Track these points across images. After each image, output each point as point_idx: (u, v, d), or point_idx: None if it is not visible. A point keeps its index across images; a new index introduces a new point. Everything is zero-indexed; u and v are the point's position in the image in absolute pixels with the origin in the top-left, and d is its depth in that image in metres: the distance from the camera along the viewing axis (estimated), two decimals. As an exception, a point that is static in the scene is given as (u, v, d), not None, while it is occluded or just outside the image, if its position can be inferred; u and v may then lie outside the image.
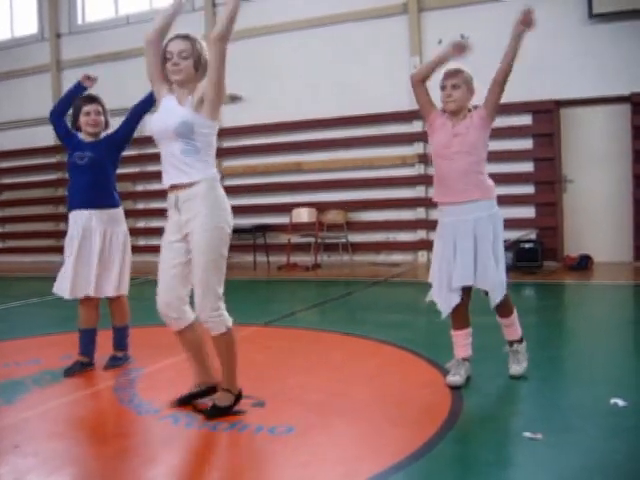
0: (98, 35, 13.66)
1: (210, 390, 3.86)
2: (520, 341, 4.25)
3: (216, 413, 3.66)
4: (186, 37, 3.68)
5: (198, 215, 3.54)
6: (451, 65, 4.16)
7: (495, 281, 4.00)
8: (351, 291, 8.51)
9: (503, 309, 4.14)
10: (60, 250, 4.89)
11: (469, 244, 3.99)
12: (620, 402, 3.63)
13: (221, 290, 3.65)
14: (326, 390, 4.12)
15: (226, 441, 3.38)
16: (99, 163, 4.66)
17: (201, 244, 3.54)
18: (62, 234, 4.84)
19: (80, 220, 4.63)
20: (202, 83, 3.66)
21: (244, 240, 12.00)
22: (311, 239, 11.26)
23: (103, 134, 4.81)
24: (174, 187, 3.62)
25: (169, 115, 3.60)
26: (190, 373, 3.99)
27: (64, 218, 4.93)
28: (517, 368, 4.17)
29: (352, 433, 3.41)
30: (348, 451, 3.18)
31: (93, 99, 4.76)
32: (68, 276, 4.59)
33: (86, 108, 4.70)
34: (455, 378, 4.06)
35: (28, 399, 4.15)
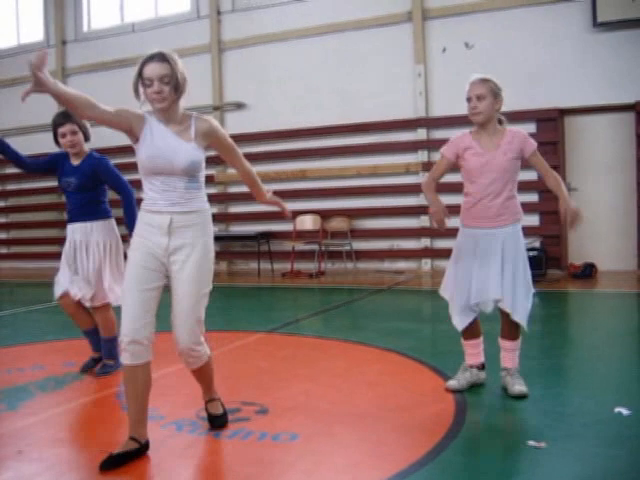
0: (103, 42, 13.72)
1: (146, 447, 3.36)
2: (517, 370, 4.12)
3: (223, 420, 3.68)
4: (164, 58, 3.37)
5: (194, 244, 3.36)
6: (477, 75, 4.00)
7: (519, 301, 3.93)
8: (355, 299, 8.51)
9: (507, 330, 4.04)
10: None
11: (495, 258, 3.95)
12: (624, 411, 3.62)
13: (203, 322, 3.48)
14: (330, 397, 4.11)
15: (230, 448, 3.37)
16: (83, 186, 4.79)
17: (194, 274, 3.35)
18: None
19: (71, 232, 4.85)
20: (204, 127, 3.48)
21: (248, 247, 12.02)
22: (315, 246, 11.26)
23: (87, 148, 4.88)
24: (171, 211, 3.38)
25: (174, 153, 3.35)
26: (193, 380, 4.00)
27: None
28: (521, 388, 3.97)
29: (356, 440, 3.40)
30: (352, 459, 3.17)
31: (66, 118, 4.70)
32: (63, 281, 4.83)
33: (61, 130, 4.74)
34: (452, 382, 4.10)
35: (31, 405, 4.15)
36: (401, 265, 11.35)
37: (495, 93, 3.94)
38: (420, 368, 4.75)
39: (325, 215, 11.59)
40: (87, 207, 4.81)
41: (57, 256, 5.15)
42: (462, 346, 4.22)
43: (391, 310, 7.78)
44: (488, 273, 3.94)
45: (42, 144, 13.68)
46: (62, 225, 13.33)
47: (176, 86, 3.38)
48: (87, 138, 4.86)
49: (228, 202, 12.53)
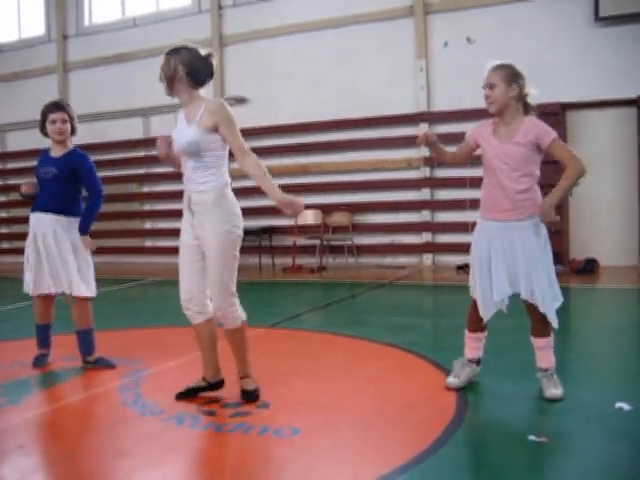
0: (104, 37, 13.70)
1: (215, 385, 4.05)
2: (553, 370, 3.94)
3: (254, 396, 3.93)
4: (165, 55, 3.82)
5: (209, 220, 3.73)
6: (493, 62, 3.90)
7: (545, 294, 3.79)
8: (356, 293, 8.51)
9: (538, 326, 3.89)
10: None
11: (511, 253, 3.84)
12: (625, 406, 3.61)
13: (234, 288, 3.85)
14: (331, 392, 4.12)
15: (231, 442, 3.37)
16: (62, 177, 4.80)
17: (213, 247, 3.73)
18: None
19: (41, 222, 4.85)
20: (213, 106, 3.74)
21: (250, 242, 12.00)
22: (316, 241, 11.26)
23: (71, 142, 4.95)
24: (189, 189, 3.84)
25: (180, 134, 3.80)
26: (195, 374, 4.00)
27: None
28: (555, 391, 3.82)
29: (357, 435, 3.40)
30: (353, 453, 3.17)
31: (60, 107, 4.85)
32: (30, 274, 4.91)
33: (52, 116, 4.81)
34: (453, 380, 4.05)
35: (32, 399, 4.16)
36: (402, 260, 11.34)
37: (509, 80, 3.81)
38: (421, 363, 4.75)
39: (327, 210, 11.58)
40: (60, 199, 4.82)
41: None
42: (464, 338, 4.16)
43: (392, 305, 7.77)
44: (504, 268, 3.83)
45: (42, 138, 13.74)
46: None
47: (170, 83, 3.78)
48: (73, 132, 4.96)
49: (230, 197, 12.48)
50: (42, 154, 5.00)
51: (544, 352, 3.93)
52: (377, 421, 3.58)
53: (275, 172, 11.68)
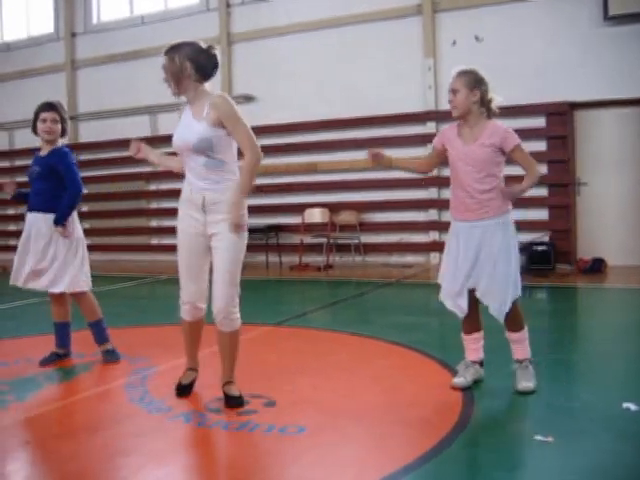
0: (113, 34, 13.72)
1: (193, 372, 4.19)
2: (530, 361, 4.05)
3: (241, 402, 3.85)
4: (165, 55, 3.82)
5: (225, 218, 3.70)
6: (457, 67, 3.98)
7: (499, 293, 3.88)
8: (363, 292, 8.51)
9: (512, 321, 3.96)
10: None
11: (471, 251, 3.94)
12: (632, 407, 3.60)
13: (238, 290, 3.84)
14: (337, 391, 4.12)
15: (237, 440, 3.38)
16: (44, 176, 4.85)
17: (229, 243, 3.72)
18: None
19: (32, 221, 4.88)
20: (214, 100, 3.72)
21: (256, 240, 12.01)
22: (323, 239, 11.26)
23: (60, 142, 4.97)
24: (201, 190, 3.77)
25: (187, 131, 3.75)
26: (201, 371, 4.01)
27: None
28: (528, 384, 3.92)
29: (363, 434, 3.41)
30: (359, 452, 3.18)
31: (52, 107, 4.89)
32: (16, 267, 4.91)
33: (43, 115, 4.86)
34: (459, 380, 4.05)
35: (39, 396, 4.17)
36: (409, 258, 11.34)
37: (472, 86, 3.89)
38: (427, 362, 4.75)
39: (334, 208, 11.58)
40: (44, 197, 4.85)
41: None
42: (463, 341, 4.18)
43: (399, 303, 7.77)
44: (468, 265, 3.93)
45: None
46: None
47: (176, 80, 3.77)
48: (64, 133, 4.99)
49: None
50: (35, 154, 5.05)
51: (518, 344, 4.03)
52: (383, 420, 3.58)
53: (283, 170, 11.84)
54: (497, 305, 3.90)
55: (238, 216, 3.69)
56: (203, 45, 3.80)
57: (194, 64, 3.71)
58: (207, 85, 3.84)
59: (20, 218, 14.89)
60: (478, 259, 3.92)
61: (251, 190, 3.81)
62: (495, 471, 2.92)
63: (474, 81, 3.90)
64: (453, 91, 3.94)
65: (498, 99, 3.98)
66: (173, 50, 3.76)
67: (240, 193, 3.70)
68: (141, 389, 4.22)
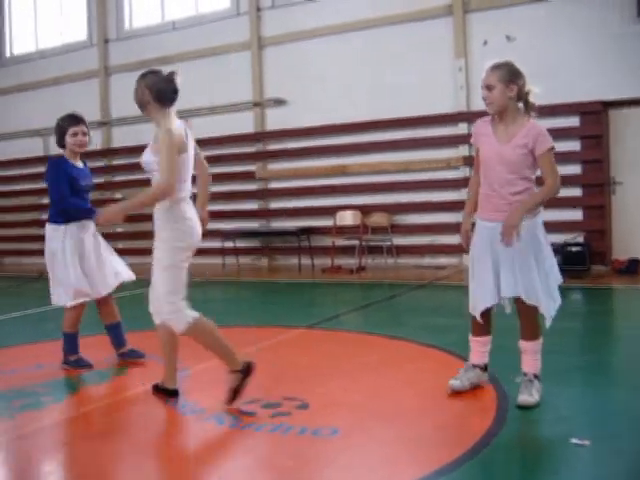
0: (144, 40, 13.85)
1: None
2: (537, 377, 3.85)
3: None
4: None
5: (157, 231, 4.00)
6: (491, 62, 3.79)
7: (539, 293, 3.73)
8: (395, 294, 8.48)
9: (527, 329, 3.82)
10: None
11: (507, 253, 3.75)
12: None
13: (174, 296, 3.95)
14: (370, 393, 4.11)
15: (270, 442, 3.39)
16: (48, 186, 5.02)
17: (157, 256, 3.98)
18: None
19: (91, 230, 5.10)
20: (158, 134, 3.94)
21: (289, 242, 12.05)
22: (355, 242, 11.25)
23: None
24: None
25: (147, 149, 4.07)
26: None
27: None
28: (528, 398, 3.74)
29: (395, 436, 3.40)
30: (391, 454, 3.17)
31: (81, 120, 5.04)
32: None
33: (74, 129, 4.98)
34: (454, 382, 3.99)
35: (76, 398, 4.23)
36: (442, 260, 11.27)
37: (507, 80, 3.71)
38: (461, 364, 4.69)
39: (365, 210, 11.56)
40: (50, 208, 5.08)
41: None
42: (470, 342, 4.12)
43: (432, 306, 7.74)
44: (501, 269, 3.78)
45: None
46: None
47: (141, 105, 4.08)
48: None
49: (269, 198, 12.58)
50: (63, 164, 5.08)
51: (529, 356, 3.85)
52: (415, 423, 3.57)
53: (313, 173, 11.85)
54: (543, 304, 3.73)
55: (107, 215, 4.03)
56: (165, 73, 4.05)
57: (153, 91, 3.97)
58: (173, 110, 4.05)
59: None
60: (514, 263, 3.75)
61: (138, 208, 4.06)
62: (530, 475, 2.89)
63: (510, 74, 3.72)
64: (488, 87, 3.74)
65: (535, 90, 3.80)
66: (139, 79, 4.07)
67: (128, 203, 4.08)
68: (175, 391, 4.25)
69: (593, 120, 9.96)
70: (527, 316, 3.80)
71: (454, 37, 10.96)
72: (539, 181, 3.81)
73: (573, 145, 9.85)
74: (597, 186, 9.96)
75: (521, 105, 3.82)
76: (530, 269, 3.73)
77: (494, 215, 3.80)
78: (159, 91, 3.97)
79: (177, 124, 3.96)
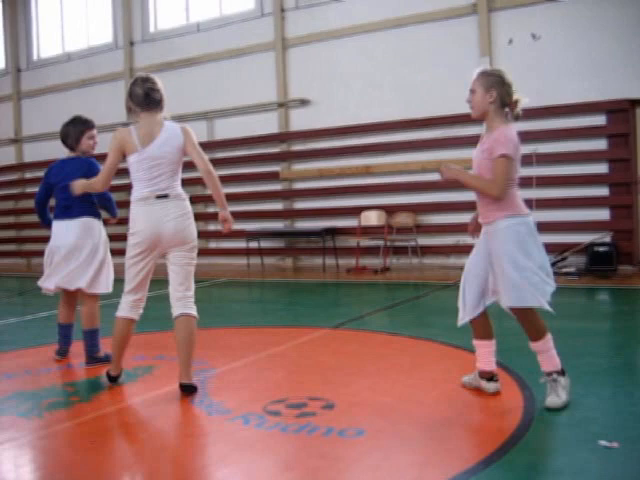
0: (169, 42, 13.95)
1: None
2: (560, 372, 3.77)
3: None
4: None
5: None
6: (479, 67, 4.00)
7: (507, 287, 3.74)
8: (420, 294, 8.46)
9: (528, 331, 3.78)
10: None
11: (484, 256, 4.02)
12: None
13: (127, 286, 4.39)
14: (395, 394, 4.10)
15: (296, 443, 3.39)
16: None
17: None
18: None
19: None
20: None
21: (313, 243, 12.07)
22: (380, 242, 11.24)
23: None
24: None
25: None
26: (259, 374, 4.03)
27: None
28: (555, 400, 3.69)
29: (422, 437, 3.38)
30: (418, 455, 3.16)
31: (93, 124, 5.31)
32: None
33: (91, 132, 5.26)
34: (468, 378, 4.15)
35: (103, 398, 4.26)
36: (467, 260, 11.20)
37: (488, 86, 3.80)
38: (487, 365, 4.69)
39: (390, 210, 11.55)
40: None
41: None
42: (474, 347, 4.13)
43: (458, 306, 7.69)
44: (480, 272, 4.01)
45: (106, 143, 14.06)
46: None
47: (128, 109, 4.38)
48: None
49: (293, 198, 12.61)
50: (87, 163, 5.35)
51: (542, 355, 3.79)
52: (442, 423, 3.55)
53: (338, 173, 11.86)
54: (505, 299, 3.79)
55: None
56: (141, 78, 4.39)
57: (130, 96, 4.31)
58: (161, 114, 4.36)
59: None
60: (490, 264, 3.96)
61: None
62: (558, 476, 2.86)
63: (492, 81, 3.81)
64: (471, 91, 3.92)
65: (524, 100, 3.84)
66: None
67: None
68: (201, 391, 4.27)
69: (620, 118, 9.86)
70: (520, 319, 3.80)
71: (479, 36, 10.91)
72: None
73: (600, 144, 9.76)
74: (624, 185, 9.85)
75: (504, 112, 3.86)
76: (502, 272, 3.78)
77: (482, 219, 4.06)
78: (132, 95, 4.30)
79: (168, 126, 4.36)
